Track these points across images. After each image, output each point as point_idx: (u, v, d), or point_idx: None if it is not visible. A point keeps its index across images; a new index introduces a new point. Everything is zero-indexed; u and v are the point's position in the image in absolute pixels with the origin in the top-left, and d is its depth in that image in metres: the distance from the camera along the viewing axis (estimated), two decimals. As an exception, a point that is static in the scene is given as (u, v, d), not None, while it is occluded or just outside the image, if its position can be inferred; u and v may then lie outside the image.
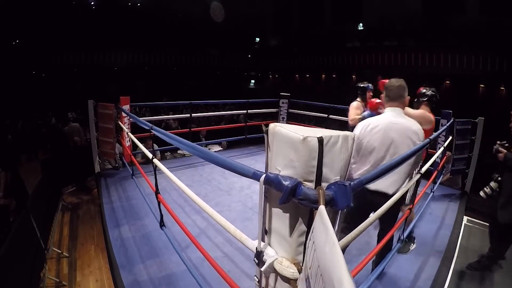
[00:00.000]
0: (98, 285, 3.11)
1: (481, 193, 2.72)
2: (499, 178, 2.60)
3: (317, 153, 0.80)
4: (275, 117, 6.03)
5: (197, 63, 16.14)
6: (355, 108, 3.13)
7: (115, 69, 14.41)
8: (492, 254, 2.66)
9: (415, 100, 2.70)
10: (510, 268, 2.69)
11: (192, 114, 4.86)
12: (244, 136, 5.44)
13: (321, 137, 0.80)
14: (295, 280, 0.88)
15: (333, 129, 1.05)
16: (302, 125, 1.12)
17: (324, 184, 0.85)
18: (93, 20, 13.22)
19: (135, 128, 4.51)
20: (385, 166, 1.27)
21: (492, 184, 2.64)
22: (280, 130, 0.89)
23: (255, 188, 3.68)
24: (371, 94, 3.14)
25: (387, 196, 1.70)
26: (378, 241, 2.02)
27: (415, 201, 2.39)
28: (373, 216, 1.65)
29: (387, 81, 1.95)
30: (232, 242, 2.52)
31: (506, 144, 2.60)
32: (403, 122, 1.77)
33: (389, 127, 1.75)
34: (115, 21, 13.56)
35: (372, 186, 1.78)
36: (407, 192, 1.91)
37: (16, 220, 3.24)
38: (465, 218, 3.34)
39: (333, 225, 0.90)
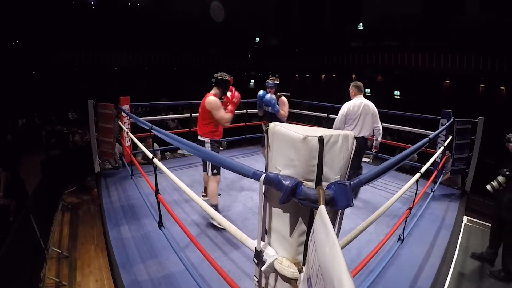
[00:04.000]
0: (98, 285, 3.11)
1: (488, 187, 2.68)
2: (507, 173, 2.57)
3: (317, 153, 0.80)
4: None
5: (197, 63, 16.11)
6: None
7: (115, 69, 14.40)
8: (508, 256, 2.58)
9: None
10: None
11: (192, 114, 4.86)
12: (244, 136, 5.44)
13: (322, 136, 0.80)
14: (295, 279, 0.88)
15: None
16: (302, 125, 1.12)
17: (325, 184, 0.84)
18: (93, 20, 13.20)
19: (135, 128, 4.51)
20: (386, 165, 1.27)
21: (500, 178, 2.61)
22: (280, 129, 0.89)
23: (255, 188, 3.68)
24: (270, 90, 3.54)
25: (364, 138, 3.30)
26: None
27: (415, 200, 2.39)
28: (372, 215, 1.66)
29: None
30: (232, 242, 2.52)
31: None
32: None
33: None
34: (115, 21, 13.54)
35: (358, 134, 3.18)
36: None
37: (16, 220, 3.24)
38: (465, 218, 3.34)
39: (333, 225, 0.90)
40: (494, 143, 2.82)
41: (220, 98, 2.87)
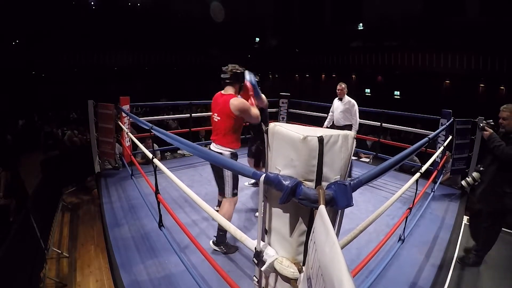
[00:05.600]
0: (98, 285, 3.10)
1: (463, 183, 2.73)
2: (482, 168, 2.59)
3: (317, 153, 0.80)
4: (275, 117, 6.03)
5: (197, 63, 16.12)
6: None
7: (115, 69, 14.41)
8: (482, 247, 2.60)
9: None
10: (508, 267, 2.69)
11: (192, 114, 4.87)
12: (243, 136, 5.43)
13: (321, 136, 0.80)
14: (295, 279, 0.88)
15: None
16: (302, 125, 1.13)
17: (324, 184, 0.84)
18: (93, 20, 13.22)
19: (135, 128, 4.49)
20: (386, 165, 1.28)
21: (475, 174, 2.63)
22: (280, 129, 0.89)
23: (255, 188, 3.68)
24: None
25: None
26: None
27: (415, 200, 2.39)
28: (372, 215, 1.66)
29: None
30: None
31: (492, 123, 2.61)
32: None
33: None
34: (115, 21, 13.55)
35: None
36: None
37: (16, 220, 3.24)
38: (465, 217, 3.33)
39: (333, 225, 0.90)
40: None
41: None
